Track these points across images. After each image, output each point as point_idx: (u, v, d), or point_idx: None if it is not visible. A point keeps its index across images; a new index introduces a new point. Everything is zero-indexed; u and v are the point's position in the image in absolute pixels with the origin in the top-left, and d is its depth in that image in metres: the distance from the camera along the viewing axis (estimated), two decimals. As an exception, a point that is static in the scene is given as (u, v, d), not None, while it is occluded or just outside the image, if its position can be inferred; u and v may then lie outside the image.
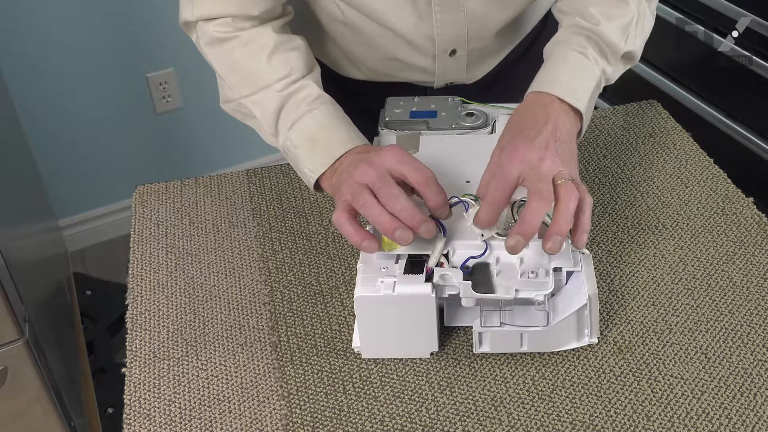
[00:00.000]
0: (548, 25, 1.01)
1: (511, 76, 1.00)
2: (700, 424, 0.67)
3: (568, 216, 0.68)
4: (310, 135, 0.79)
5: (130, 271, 0.85)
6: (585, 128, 0.79)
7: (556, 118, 0.74)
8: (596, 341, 0.74)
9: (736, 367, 0.72)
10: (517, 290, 0.69)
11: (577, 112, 0.77)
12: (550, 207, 0.68)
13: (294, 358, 0.74)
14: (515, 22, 0.93)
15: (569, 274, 0.72)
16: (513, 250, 0.67)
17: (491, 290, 0.69)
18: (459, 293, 0.69)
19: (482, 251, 0.70)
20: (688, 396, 0.69)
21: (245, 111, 0.84)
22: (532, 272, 0.69)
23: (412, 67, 0.93)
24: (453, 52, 0.90)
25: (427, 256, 0.71)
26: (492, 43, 0.93)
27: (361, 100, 0.91)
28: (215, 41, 0.83)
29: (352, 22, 0.88)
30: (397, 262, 0.71)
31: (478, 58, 0.95)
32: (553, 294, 0.71)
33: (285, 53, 0.82)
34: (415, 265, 0.71)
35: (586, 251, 0.73)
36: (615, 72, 0.82)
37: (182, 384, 0.73)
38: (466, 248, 0.71)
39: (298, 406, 0.70)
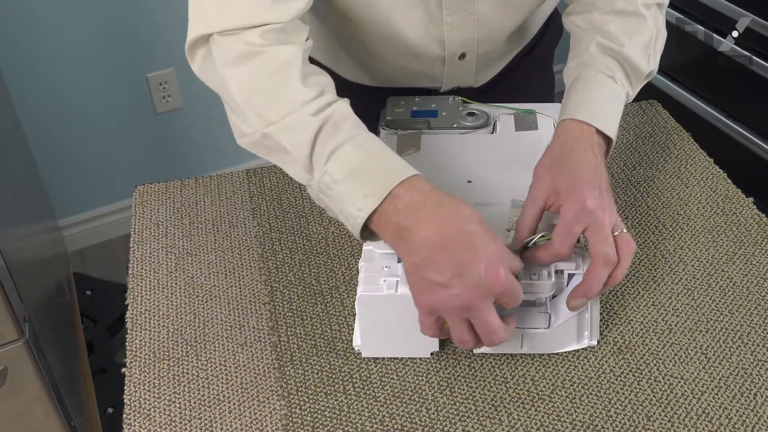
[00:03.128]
0: (549, 29, 1.01)
1: (514, 78, 1.00)
2: (700, 424, 0.67)
3: (625, 271, 0.69)
4: (355, 166, 0.66)
5: (130, 271, 0.85)
6: (608, 156, 0.77)
7: (601, 158, 0.73)
8: (596, 343, 0.74)
9: (736, 367, 0.72)
10: None
11: (608, 140, 0.76)
12: (610, 270, 0.68)
13: (294, 358, 0.74)
14: (522, 26, 0.93)
15: (570, 276, 0.72)
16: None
17: None
18: None
19: None
20: (688, 396, 0.69)
21: (270, 143, 0.70)
22: (534, 274, 0.69)
23: (421, 73, 0.92)
24: (462, 56, 0.89)
25: None
26: (501, 47, 0.93)
27: (364, 103, 0.90)
28: (239, 59, 0.70)
29: (362, 28, 0.87)
30: (399, 262, 0.71)
31: (487, 62, 0.94)
32: (554, 296, 0.71)
33: (316, 76, 0.71)
34: None
35: (587, 254, 0.72)
36: (635, 93, 0.82)
37: (182, 384, 0.73)
38: None
39: (298, 406, 0.70)
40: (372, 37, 0.87)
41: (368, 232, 0.67)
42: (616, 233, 0.68)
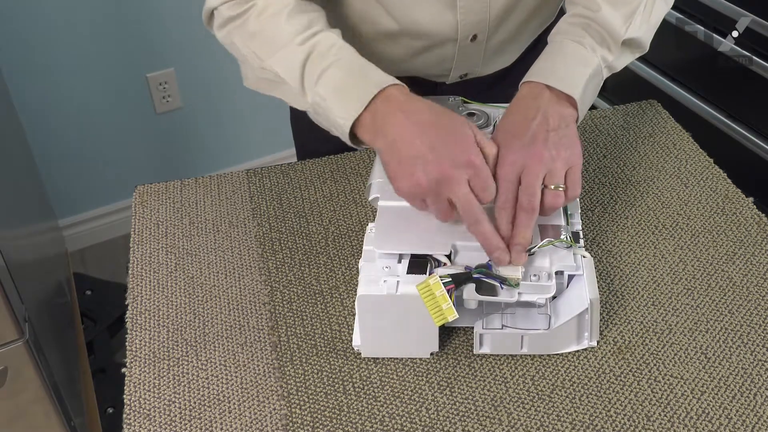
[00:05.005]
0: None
1: (522, 69, 1.00)
2: (700, 424, 0.67)
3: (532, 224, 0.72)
4: (339, 83, 0.75)
5: (130, 271, 0.85)
6: (582, 115, 0.78)
7: (546, 108, 0.75)
8: (596, 344, 0.74)
9: (736, 367, 0.72)
10: (519, 293, 0.69)
11: (570, 99, 0.76)
12: (535, 215, 0.71)
13: (294, 358, 0.74)
14: (536, 12, 0.93)
15: (571, 277, 0.72)
16: (517, 261, 0.70)
17: (494, 293, 0.69)
18: (462, 295, 0.69)
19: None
20: (688, 396, 0.69)
21: (269, 76, 0.80)
22: (535, 275, 0.69)
23: (431, 57, 0.93)
24: (474, 38, 0.90)
25: (430, 256, 0.71)
26: (513, 33, 0.93)
27: None
28: (239, 15, 0.80)
29: (372, 12, 0.88)
30: (399, 262, 0.71)
31: (498, 47, 0.95)
32: (554, 297, 0.71)
33: (303, 13, 0.79)
34: (418, 265, 0.71)
35: (587, 255, 0.73)
36: (619, 60, 0.81)
37: (182, 384, 0.73)
38: (469, 250, 0.72)
39: (298, 406, 0.70)
40: (383, 22, 0.88)
41: (357, 139, 0.76)
42: (552, 187, 0.72)
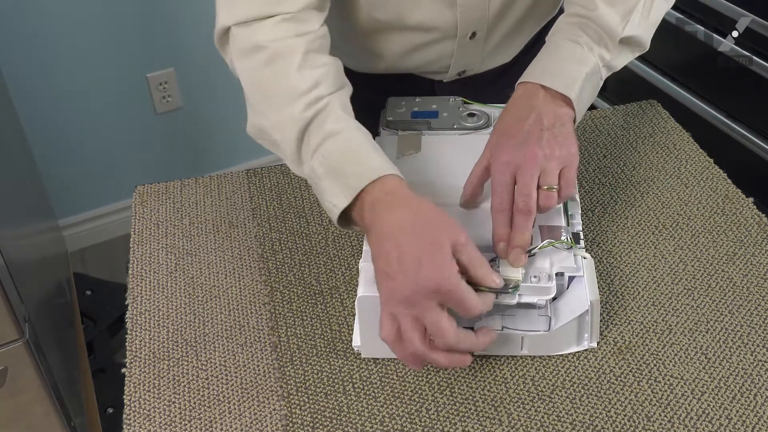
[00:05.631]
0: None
1: (520, 68, 1.00)
2: (700, 424, 0.67)
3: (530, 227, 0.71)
4: (333, 164, 0.70)
5: (130, 271, 0.85)
6: (579, 115, 0.77)
7: (540, 107, 0.75)
8: (596, 345, 0.74)
9: (736, 368, 0.72)
10: (519, 295, 0.69)
11: (567, 99, 0.76)
12: (532, 217, 0.70)
13: (294, 358, 0.74)
14: (534, 9, 0.93)
15: (571, 278, 0.72)
16: (516, 264, 0.69)
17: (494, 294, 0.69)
18: None
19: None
20: (688, 396, 0.69)
21: (267, 138, 0.76)
22: (535, 277, 0.69)
23: (430, 54, 0.93)
24: (473, 35, 0.90)
25: None
26: (511, 30, 0.94)
27: (368, 94, 0.90)
28: (246, 52, 0.75)
29: (372, 11, 0.88)
30: None
31: (496, 44, 0.95)
32: (554, 298, 0.71)
33: (312, 69, 0.74)
34: None
35: (588, 256, 0.73)
36: (617, 59, 0.80)
37: (182, 384, 0.73)
38: None
39: (298, 406, 0.70)
40: (382, 19, 0.88)
41: (349, 222, 0.71)
42: (545, 188, 0.71)
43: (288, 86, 0.72)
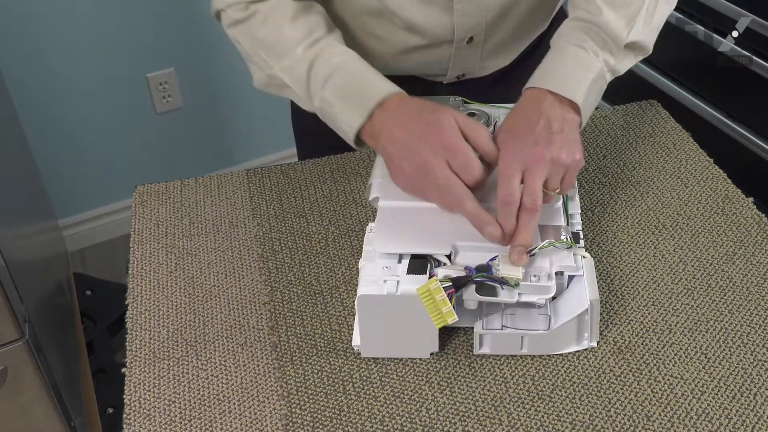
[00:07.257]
0: (559, 21, 1.02)
1: (520, 71, 1.01)
2: (700, 424, 0.67)
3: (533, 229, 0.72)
4: (343, 91, 0.80)
5: (130, 271, 0.85)
6: (585, 120, 0.78)
7: (548, 112, 0.75)
8: (595, 345, 0.74)
9: (736, 367, 0.72)
10: (519, 294, 0.69)
11: (573, 104, 0.77)
12: (537, 216, 0.71)
13: (294, 358, 0.74)
14: (532, 15, 0.93)
15: (571, 278, 0.72)
16: (518, 262, 0.70)
17: (494, 294, 0.69)
18: (462, 295, 0.69)
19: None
20: (688, 396, 0.69)
21: (278, 82, 0.84)
22: (535, 276, 0.69)
23: (427, 57, 0.93)
24: (470, 40, 0.91)
25: (430, 256, 0.71)
26: (509, 35, 0.94)
27: None
28: (243, 19, 0.84)
29: (369, 15, 0.89)
30: (400, 262, 0.71)
31: (494, 49, 0.95)
32: (554, 297, 0.71)
33: (305, 17, 0.83)
34: (418, 265, 0.71)
35: (587, 255, 0.73)
36: (621, 63, 0.81)
37: (182, 384, 0.73)
38: (469, 250, 0.72)
39: (298, 406, 0.70)
40: (379, 23, 0.88)
41: (360, 141, 0.81)
42: (552, 193, 0.74)
43: (286, 34, 0.82)
